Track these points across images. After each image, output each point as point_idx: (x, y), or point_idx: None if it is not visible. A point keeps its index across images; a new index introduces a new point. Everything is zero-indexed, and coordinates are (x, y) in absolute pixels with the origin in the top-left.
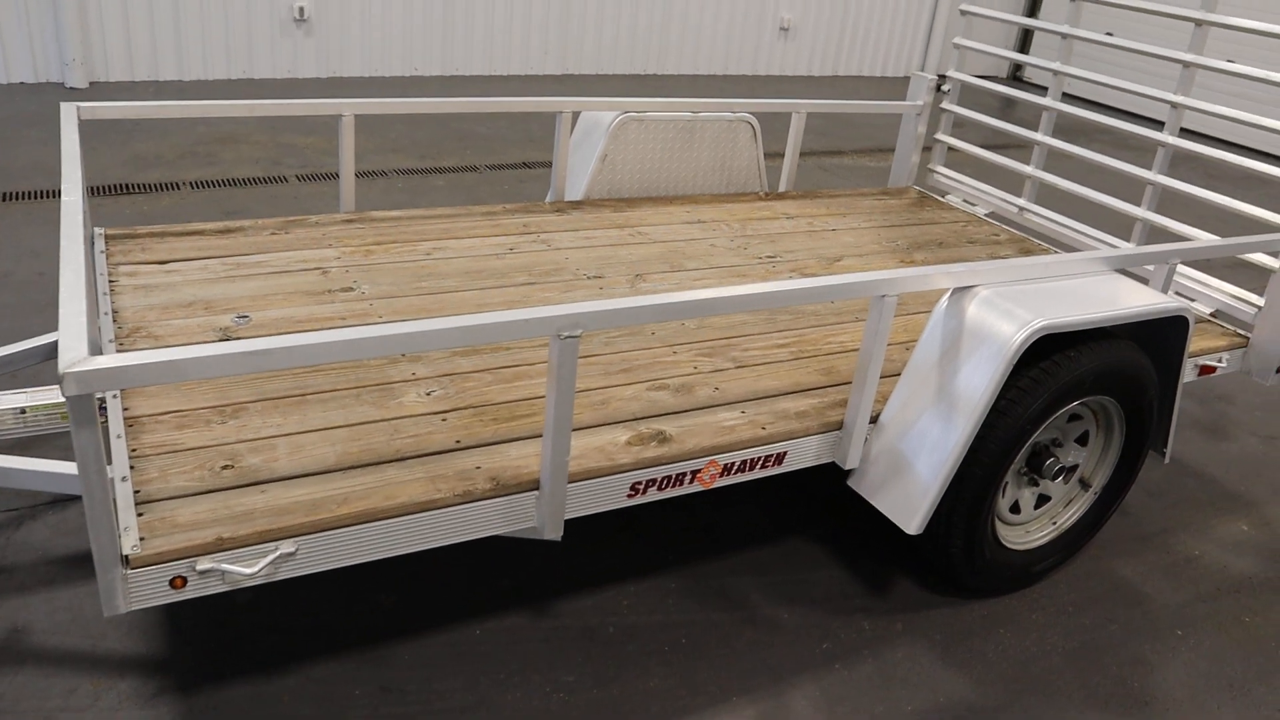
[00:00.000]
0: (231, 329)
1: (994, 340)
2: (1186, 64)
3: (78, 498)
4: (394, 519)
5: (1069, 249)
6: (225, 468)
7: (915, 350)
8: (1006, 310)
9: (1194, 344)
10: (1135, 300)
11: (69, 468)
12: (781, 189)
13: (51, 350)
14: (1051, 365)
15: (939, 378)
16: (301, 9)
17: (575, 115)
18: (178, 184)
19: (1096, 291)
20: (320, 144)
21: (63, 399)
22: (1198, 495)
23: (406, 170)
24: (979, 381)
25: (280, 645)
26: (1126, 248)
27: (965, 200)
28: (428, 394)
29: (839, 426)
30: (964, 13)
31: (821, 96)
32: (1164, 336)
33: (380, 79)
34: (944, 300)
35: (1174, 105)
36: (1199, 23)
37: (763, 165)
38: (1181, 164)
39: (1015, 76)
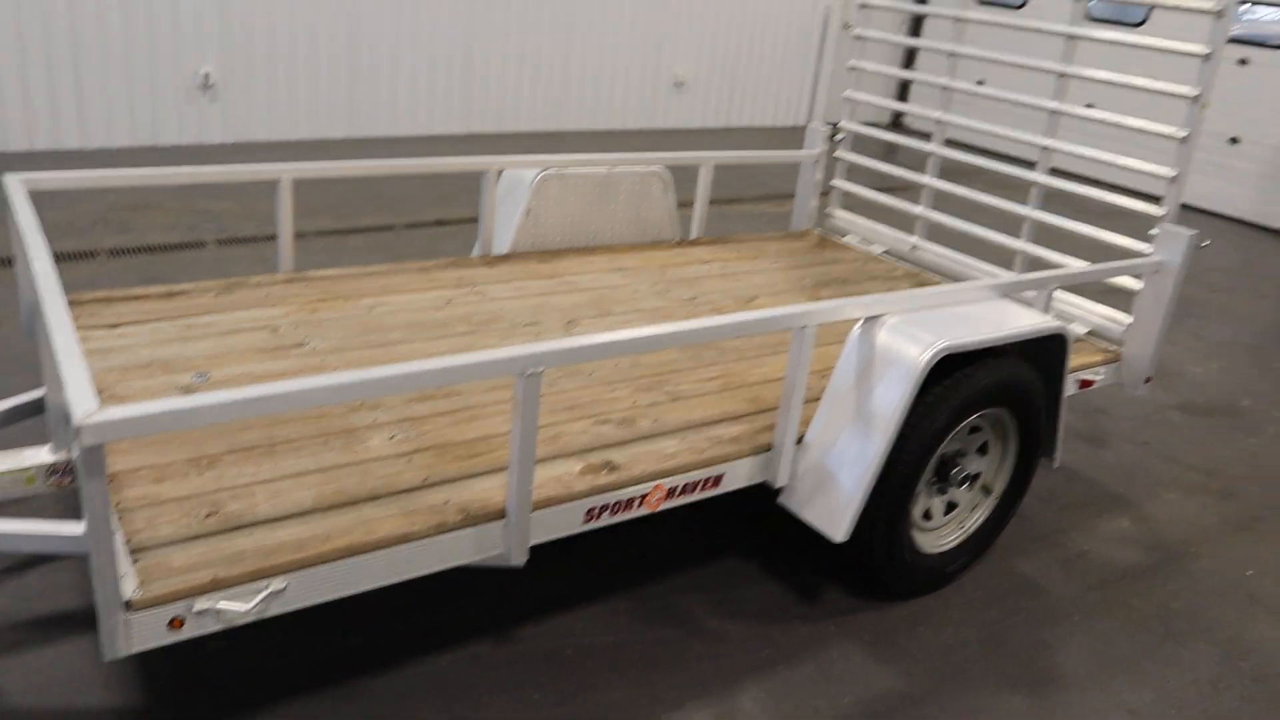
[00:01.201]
0: (194, 387)
1: (903, 362)
2: (1052, 111)
3: (40, 560)
4: (375, 552)
5: (959, 280)
6: (209, 515)
7: (833, 375)
8: (912, 335)
9: (1073, 360)
10: (1022, 321)
11: (37, 526)
12: (693, 236)
13: (12, 415)
14: (953, 382)
15: (856, 399)
16: (207, 75)
17: (499, 173)
18: (94, 252)
19: (988, 315)
20: (234, 209)
21: (27, 465)
22: (1084, 498)
23: (323, 231)
24: (891, 400)
25: (257, 689)
26: (1011, 276)
27: (862, 240)
28: (391, 438)
29: (768, 448)
30: (852, 68)
31: (716, 147)
32: (1047, 353)
33: (288, 143)
34: (856, 329)
35: (1044, 148)
36: (1060, 75)
37: (675, 214)
38: (1054, 199)
39: (896, 122)
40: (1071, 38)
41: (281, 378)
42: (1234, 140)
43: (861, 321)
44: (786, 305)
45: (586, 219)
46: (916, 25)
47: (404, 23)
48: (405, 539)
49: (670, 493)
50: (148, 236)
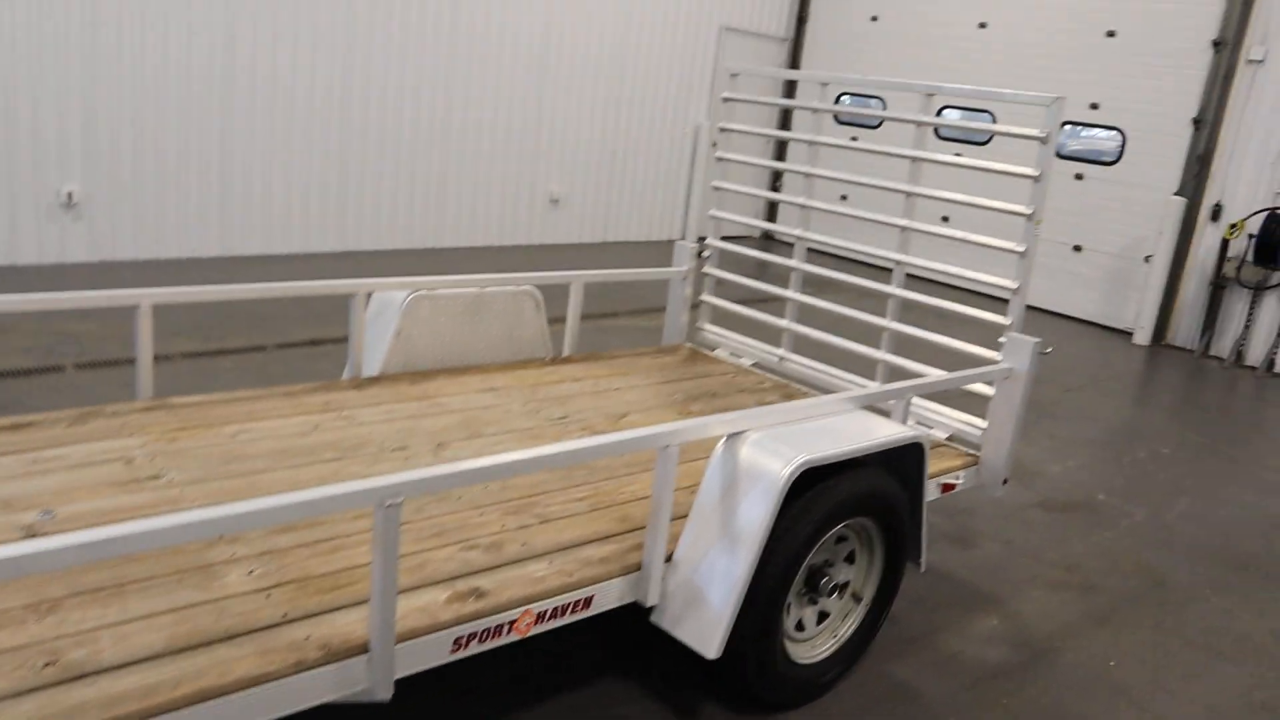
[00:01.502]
0: (37, 526)
1: (765, 477)
2: (903, 228)
3: None
4: (230, 695)
5: (825, 391)
6: (47, 665)
7: (699, 492)
8: (774, 450)
9: (935, 465)
10: (880, 432)
11: None
12: (566, 353)
13: None
14: (816, 495)
15: (722, 515)
16: (70, 194)
17: (369, 295)
18: None
19: (848, 427)
20: (96, 330)
21: None
22: (954, 598)
23: (192, 353)
24: (755, 515)
25: None
26: (871, 388)
27: (732, 353)
28: (250, 573)
29: (638, 568)
30: (715, 188)
31: (593, 262)
32: (906, 461)
33: (157, 262)
34: (720, 446)
35: (897, 262)
36: (908, 194)
37: (547, 332)
38: (918, 309)
39: (769, 236)
40: (915, 160)
41: (134, 514)
42: (1077, 248)
43: (724, 439)
44: (656, 422)
45: (458, 339)
46: (782, 147)
47: (276, 140)
48: (263, 679)
49: (540, 617)
50: (2, 361)
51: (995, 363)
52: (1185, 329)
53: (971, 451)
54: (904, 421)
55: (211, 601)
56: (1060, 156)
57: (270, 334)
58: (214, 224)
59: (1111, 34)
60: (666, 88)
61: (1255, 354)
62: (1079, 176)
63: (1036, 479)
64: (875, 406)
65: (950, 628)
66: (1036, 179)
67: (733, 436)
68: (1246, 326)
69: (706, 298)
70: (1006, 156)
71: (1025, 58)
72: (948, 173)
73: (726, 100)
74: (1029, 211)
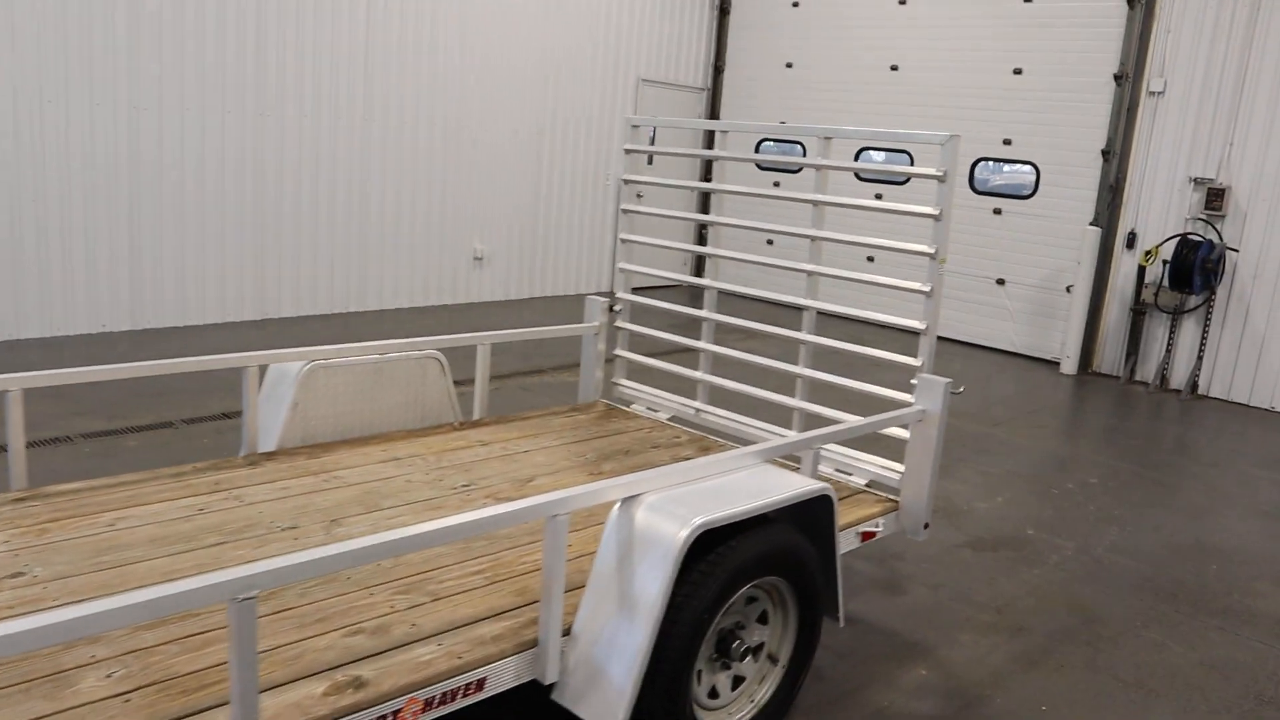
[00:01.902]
0: None
1: (661, 543)
2: (810, 272)
3: None
4: None
5: (744, 442)
6: None
7: (596, 560)
8: (670, 513)
9: (853, 513)
10: (784, 486)
11: None
12: (475, 417)
13: None
14: (717, 557)
15: (619, 584)
16: None
17: (262, 368)
18: None
19: (750, 483)
20: None
21: None
22: (881, 649)
23: (94, 433)
24: (653, 583)
25: None
26: (775, 440)
27: (649, 408)
28: (108, 676)
29: (535, 644)
30: (623, 240)
31: (519, 317)
32: (815, 514)
33: (64, 338)
34: (614, 511)
35: (804, 307)
36: (813, 239)
37: (454, 396)
38: (834, 354)
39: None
40: (817, 204)
41: None
42: (1000, 281)
43: (619, 503)
44: (565, 485)
45: (359, 409)
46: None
47: (187, 210)
48: None
49: (428, 704)
50: None
51: (908, 405)
52: (1110, 356)
53: (891, 497)
54: (813, 472)
55: (61, 712)
56: (978, 192)
57: (180, 409)
58: (125, 297)
59: (1018, 71)
60: (586, 141)
61: (1178, 377)
62: (998, 211)
63: (965, 517)
64: (789, 457)
65: (878, 681)
66: (937, 218)
67: (628, 500)
68: (1168, 350)
69: (620, 352)
70: (926, 195)
71: (937, 98)
72: (871, 215)
73: (629, 152)
74: (932, 251)
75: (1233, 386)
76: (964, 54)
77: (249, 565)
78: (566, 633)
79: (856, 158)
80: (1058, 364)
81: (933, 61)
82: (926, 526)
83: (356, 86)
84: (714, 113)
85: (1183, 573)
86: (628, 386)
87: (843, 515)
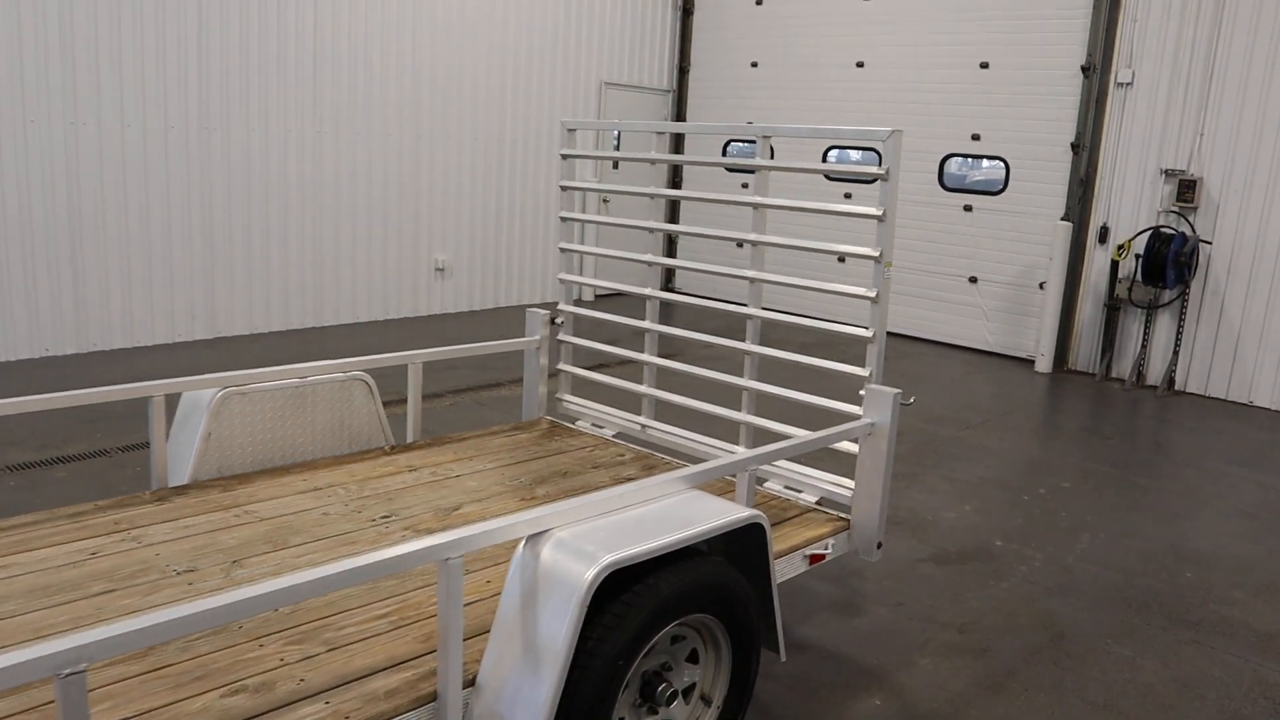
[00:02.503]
0: None
1: (565, 584)
2: (752, 279)
3: None
4: None
5: (691, 459)
6: None
7: (500, 603)
8: (577, 550)
9: (800, 535)
10: (711, 515)
11: None
12: (409, 440)
13: None
14: (633, 596)
15: (524, 630)
16: None
17: (170, 397)
18: None
19: (673, 514)
20: None
21: None
22: (833, 678)
23: (22, 465)
24: (559, 628)
25: None
26: (702, 465)
27: (594, 424)
28: None
29: (434, 698)
30: (563, 249)
31: (481, 328)
32: (747, 544)
33: (5, 364)
34: (520, 549)
35: (750, 316)
36: (755, 243)
37: (384, 419)
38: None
39: (669, 287)
40: (757, 207)
41: None
42: (973, 279)
43: (525, 540)
44: (494, 513)
45: (279, 437)
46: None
47: (131, 228)
48: None
49: None
50: None
51: (855, 418)
52: (1085, 353)
53: (842, 515)
54: (748, 497)
55: None
56: (947, 189)
57: (117, 436)
58: (69, 319)
59: (985, 65)
60: (549, 147)
61: (1155, 373)
62: (968, 208)
63: (930, 529)
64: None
65: (830, 712)
66: (880, 219)
67: (535, 536)
68: (1143, 346)
69: (564, 367)
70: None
71: (904, 94)
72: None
73: (566, 157)
74: (876, 254)
75: (1209, 381)
76: (929, 49)
77: (78, 634)
78: (471, 683)
79: (824, 158)
80: (1033, 362)
81: (898, 57)
82: (880, 546)
83: (306, 96)
84: (680, 115)
85: (1156, 581)
86: (572, 402)
87: (789, 537)
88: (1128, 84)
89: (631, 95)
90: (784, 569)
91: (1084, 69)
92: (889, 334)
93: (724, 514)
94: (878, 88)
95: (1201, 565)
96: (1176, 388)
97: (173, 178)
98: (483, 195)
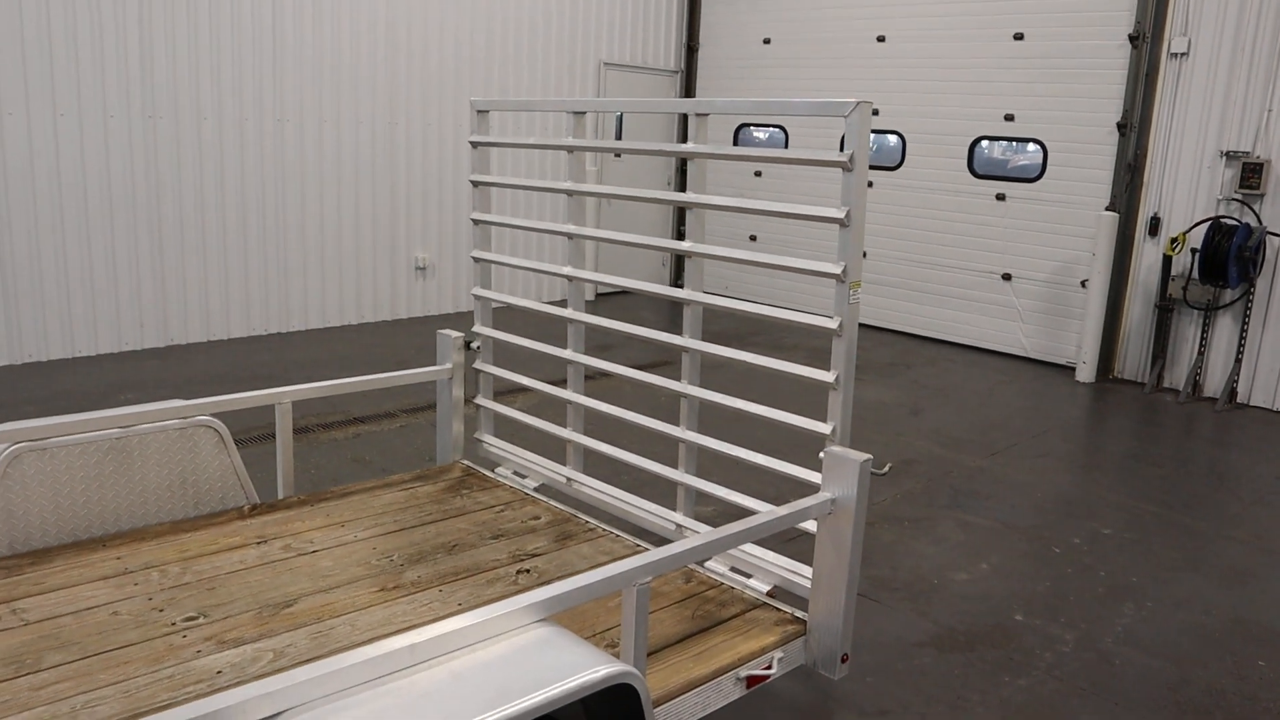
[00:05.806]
0: None
1: None
2: (687, 301)
3: None
4: None
5: (621, 522)
6: None
7: None
8: None
9: (736, 647)
10: (550, 678)
11: None
12: (280, 495)
13: None
14: None
15: None
16: None
17: None
18: None
19: (500, 674)
20: None
21: None
22: None
23: None
24: None
25: None
26: (571, 582)
27: (516, 472)
28: None
29: None
30: (475, 259)
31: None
32: (616, 707)
33: None
34: None
35: (686, 350)
36: (690, 255)
37: (242, 473)
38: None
39: (678, 284)
40: (692, 207)
41: None
42: (1006, 276)
43: None
44: (342, 609)
45: (97, 501)
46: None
47: (68, 234)
48: None
49: None
50: None
51: (813, 489)
52: (1133, 360)
53: (797, 615)
54: (638, 628)
55: None
56: (977, 176)
57: None
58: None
59: (1019, 36)
60: (540, 134)
61: (1214, 384)
62: (1000, 197)
63: (935, 597)
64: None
65: None
66: (844, 223)
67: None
68: (1200, 353)
69: (483, 401)
70: (930, 181)
71: (928, 69)
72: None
73: (476, 145)
74: (839, 270)
75: (1278, 394)
76: (957, 19)
77: None
78: None
79: (787, 144)
80: (1073, 370)
81: (922, 29)
82: (845, 660)
83: (265, 82)
84: (689, 96)
85: (1218, 672)
86: (492, 445)
87: (717, 653)
88: (1183, 54)
89: (634, 76)
90: (702, 702)
91: (1132, 38)
92: (909, 335)
93: (577, 674)
94: (900, 62)
95: (1278, 648)
96: (1239, 401)
97: (113, 171)
98: (467, 187)
